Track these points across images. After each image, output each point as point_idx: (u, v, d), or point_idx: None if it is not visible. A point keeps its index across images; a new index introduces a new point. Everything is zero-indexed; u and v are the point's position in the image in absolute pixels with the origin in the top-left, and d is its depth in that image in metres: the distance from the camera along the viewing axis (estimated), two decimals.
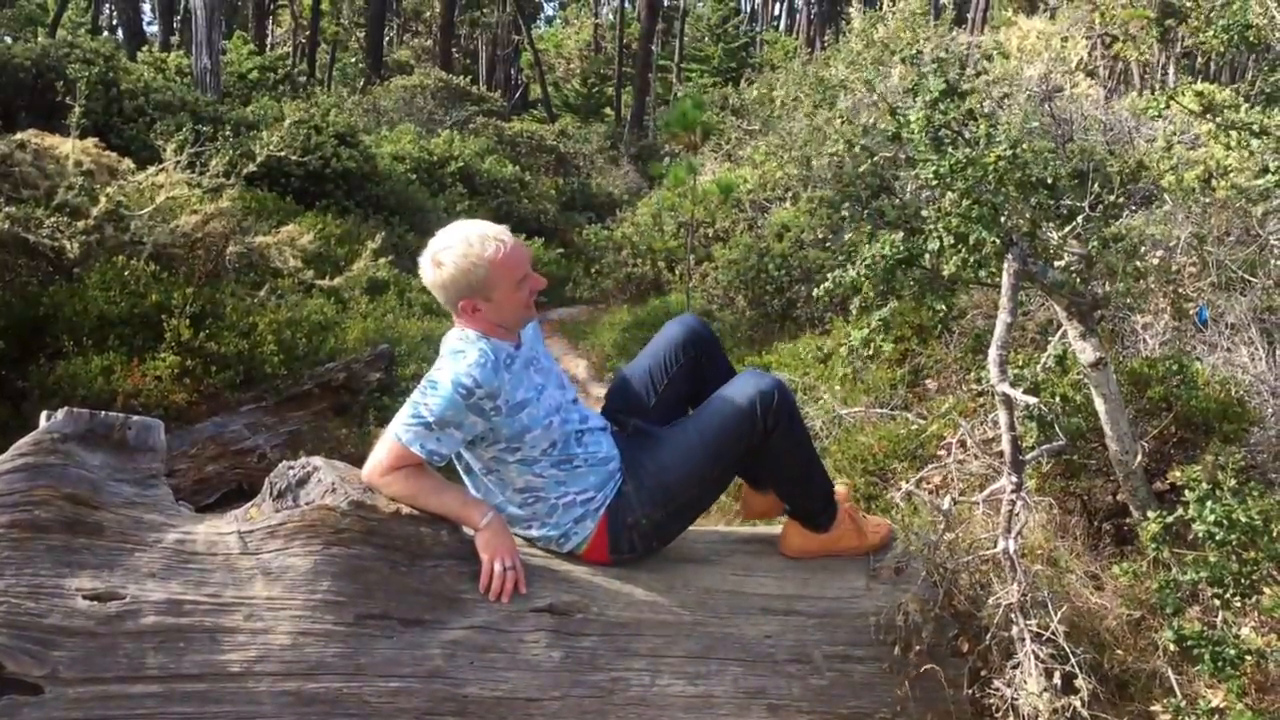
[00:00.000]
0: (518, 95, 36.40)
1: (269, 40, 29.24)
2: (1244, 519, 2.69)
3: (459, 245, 2.70)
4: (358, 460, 3.59)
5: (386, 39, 32.30)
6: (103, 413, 2.69)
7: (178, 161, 6.60)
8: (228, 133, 10.49)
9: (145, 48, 20.06)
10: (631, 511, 2.85)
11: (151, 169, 6.65)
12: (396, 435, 2.69)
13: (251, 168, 7.11)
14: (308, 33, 32.00)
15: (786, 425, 2.86)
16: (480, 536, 2.73)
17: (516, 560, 2.74)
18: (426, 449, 2.68)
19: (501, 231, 2.75)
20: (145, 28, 34.54)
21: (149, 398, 5.15)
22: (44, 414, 2.64)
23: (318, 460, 2.79)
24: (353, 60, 33.31)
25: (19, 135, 6.28)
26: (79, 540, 2.50)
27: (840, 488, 3.21)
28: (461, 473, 2.94)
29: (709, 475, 2.90)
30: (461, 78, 26.07)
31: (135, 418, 2.75)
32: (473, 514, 2.75)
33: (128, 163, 6.99)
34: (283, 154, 8.44)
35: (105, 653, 2.40)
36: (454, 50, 33.78)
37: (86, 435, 2.62)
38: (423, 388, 2.71)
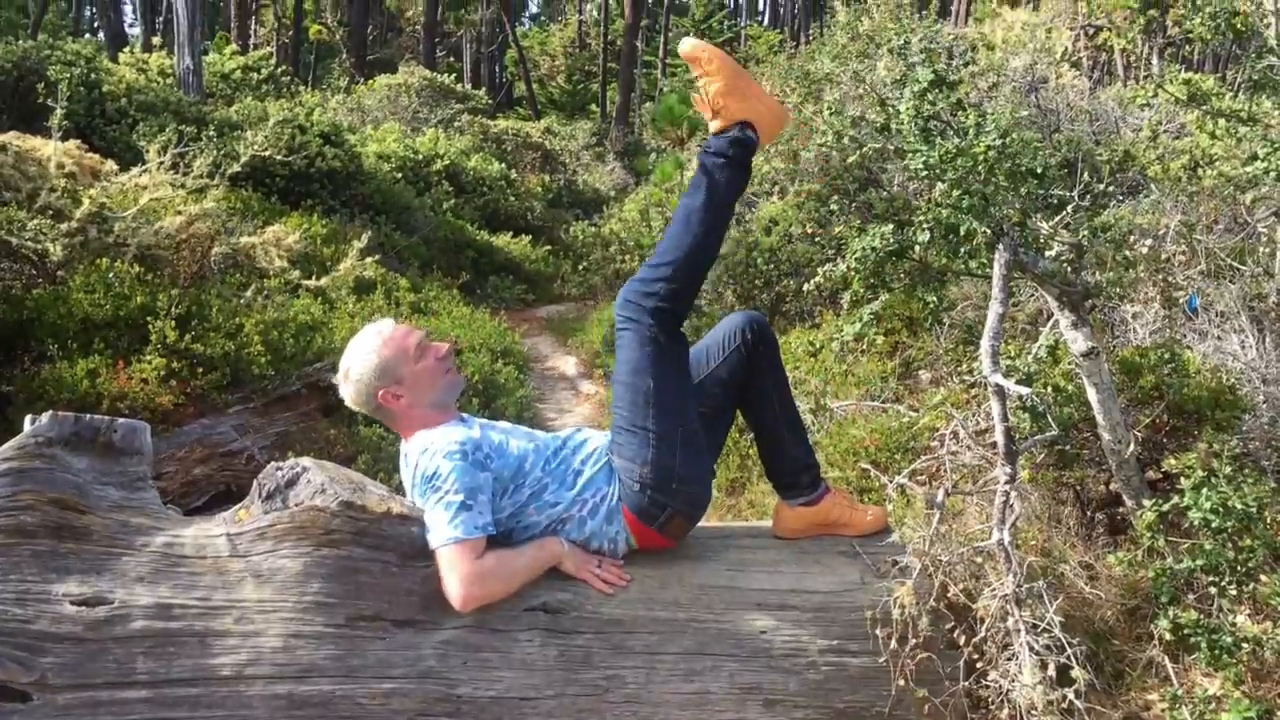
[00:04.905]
0: (503, 93, 36.32)
1: (252, 40, 29.10)
2: (1240, 505, 2.69)
3: (352, 351, 2.92)
4: (347, 461, 3.55)
5: (370, 38, 32.21)
6: (88, 416, 2.66)
7: (161, 163, 6.53)
8: (211, 133, 10.42)
9: (127, 49, 19.93)
10: (633, 472, 2.87)
11: (135, 170, 6.58)
12: (450, 540, 2.61)
13: (236, 168, 7.05)
14: (291, 32, 31.91)
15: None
16: (563, 567, 2.80)
17: (596, 558, 2.85)
18: (481, 525, 2.65)
19: (381, 322, 2.97)
20: (127, 29, 34.47)
21: (135, 400, 5.10)
22: (28, 418, 2.61)
23: (307, 461, 2.76)
24: (336, 60, 33.19)
25: (0, 138, 6.22)
26: (66, 545, 2.47)
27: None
28: None
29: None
30: (446, 76, 25.97)
31: (121, 420, 2.71)
32: (551, 553, 2.80)
33: (110, 164, 6.92)
34: (267, 154, 8.38)
35: (94, 658, 2.38)
36: (438, 48, 33.67)
37: (72, 439, 2.59)
38: (430, 488, 2.68)
